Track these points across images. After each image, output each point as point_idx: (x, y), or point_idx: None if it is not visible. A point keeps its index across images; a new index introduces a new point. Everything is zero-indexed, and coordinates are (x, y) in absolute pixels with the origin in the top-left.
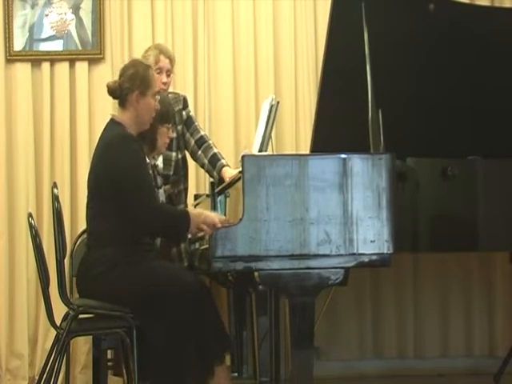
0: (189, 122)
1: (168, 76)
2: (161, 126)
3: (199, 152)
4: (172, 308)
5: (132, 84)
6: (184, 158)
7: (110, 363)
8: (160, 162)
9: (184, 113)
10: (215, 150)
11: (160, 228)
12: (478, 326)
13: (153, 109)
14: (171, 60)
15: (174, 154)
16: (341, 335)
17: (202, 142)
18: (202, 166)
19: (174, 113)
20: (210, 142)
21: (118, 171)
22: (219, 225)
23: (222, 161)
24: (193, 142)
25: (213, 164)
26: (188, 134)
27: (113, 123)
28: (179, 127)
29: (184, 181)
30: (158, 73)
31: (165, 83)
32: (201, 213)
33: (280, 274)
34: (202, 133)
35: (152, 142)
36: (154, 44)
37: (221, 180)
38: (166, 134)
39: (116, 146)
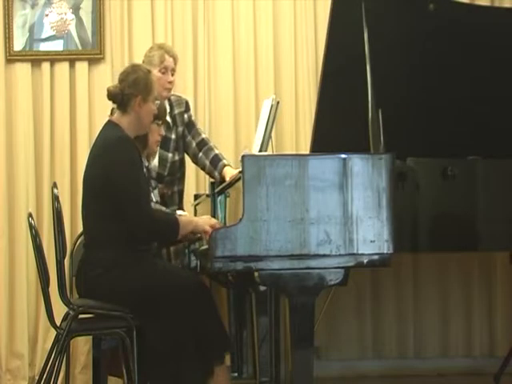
0: (190, 126)
1: (172, 75)
2: (151, 123)
3: (200, 154)
4: (172, 308)
5: (135, 89)
6: (182, 161)
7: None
8: (156, 161)
9: (186, 115)
10: (216, 152)
11: (148, 235)
12: (477, 326)
13: (152, 113)
14: (175, 58)
15: (170, 155)
16: (341, 335)
17: (203, 144)
18: (203, 168)
19: (165, 109)
20: (211, 144)
21: (115, 173)
22: (210, 231)
23: (224, 161)
24: (194, 144)
25: (214, 164)
26: (189, 137)
27: (111, 125)
28: (180, 129)
29: (179, 183)
30: (163, 73)
31: (171, 82)
32: (191, 221)
33: (280, 274)
34: (204, 135)
35: (144, 139)
36: (156, 44)
37: (222, 180)
38: (157, 131)
39: (115, 148)
